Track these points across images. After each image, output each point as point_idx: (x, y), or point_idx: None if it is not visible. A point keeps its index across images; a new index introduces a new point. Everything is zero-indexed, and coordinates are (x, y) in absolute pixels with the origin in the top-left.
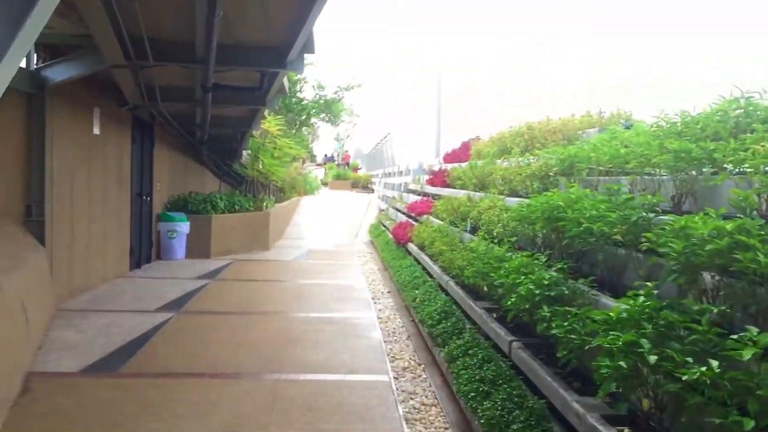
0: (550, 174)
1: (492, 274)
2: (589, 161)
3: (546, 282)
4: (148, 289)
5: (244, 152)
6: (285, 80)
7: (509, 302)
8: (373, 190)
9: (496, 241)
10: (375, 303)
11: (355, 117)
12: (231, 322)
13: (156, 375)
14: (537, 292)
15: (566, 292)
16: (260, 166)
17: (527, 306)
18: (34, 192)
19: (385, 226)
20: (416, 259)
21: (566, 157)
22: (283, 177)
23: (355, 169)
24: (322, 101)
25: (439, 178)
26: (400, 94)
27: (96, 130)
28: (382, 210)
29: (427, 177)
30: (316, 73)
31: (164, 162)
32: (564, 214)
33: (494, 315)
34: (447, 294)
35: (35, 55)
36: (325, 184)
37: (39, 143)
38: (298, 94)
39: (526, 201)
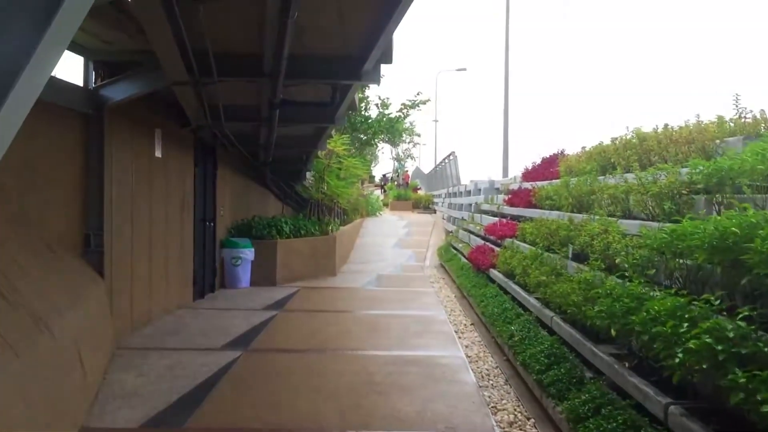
0: (683, 193)
1: (632, 317)
2: (754, 175)
3: (730, 334)
4: (212, 322)
5: (308, 174)
6: (354, 96)
7: (676, 360)
8: (434, 211)
9: (616, 273)
10: (459, 338)
11: (416, 136)
12: (304, 362)
13: (225, 431)
14: (719, 348)
15: (766, 349)
16: (326, 188)
17: (704, 366)
18: (93, 220)
19: (456, 249)
20: (502, 288)
21: (714, 171)
22: (349, 199)
23: (415, 189)
24: (385, 120)
25: (521, 198)
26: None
27: (158, 153)
28: (450, 232)
29: (504, 197)
30: (378, 90)
31: (227, 185)
32: (747, 244)
33: (626, 364)
34: (552, 333)
35: (93, 73)
36: (385, 204)
37: (97, 167)
38: (363, 112)
39: (668, 226)
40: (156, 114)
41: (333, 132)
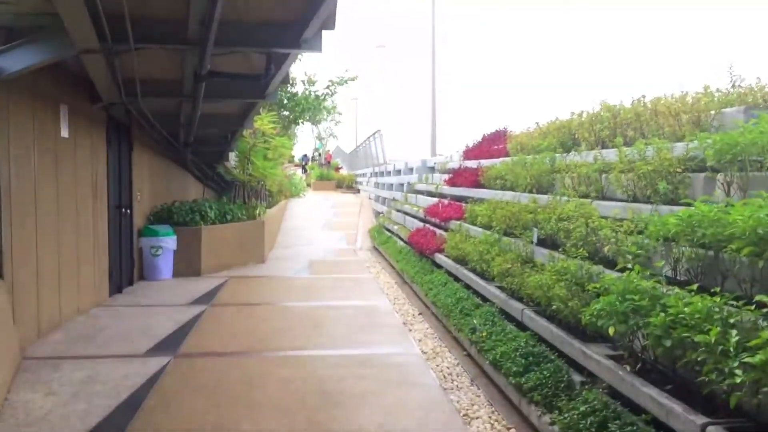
0: (678, 171)
1: (650, 319)
2: None
3: None
4: (132, 322)
5: (231, 154)
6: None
7: (736, 379)
8: (358, 191)
9: (600, 262)
10: (410, 330)
11: (337, 114)
12: (243, 368)
13: None
14: None
15: None
16: (251, 169)
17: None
18: None
19: (391, 232)
20: (452, 275)
21: (726, 146)
22: (278, 180)
23: (337, 168)
24: (312, 97)
25: (465, 178)
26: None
27: (64, 132)
28: (381, 213)
29: (443, 176)
30: (302, 66)
31: (145, 168)
32: None
33: (627, 368)
34: (523, 327)
35: None
36: (307, 185)
37: None
38: (288, 89)
39: (682, 210)
40: (62, 88)
41: (260, 109)
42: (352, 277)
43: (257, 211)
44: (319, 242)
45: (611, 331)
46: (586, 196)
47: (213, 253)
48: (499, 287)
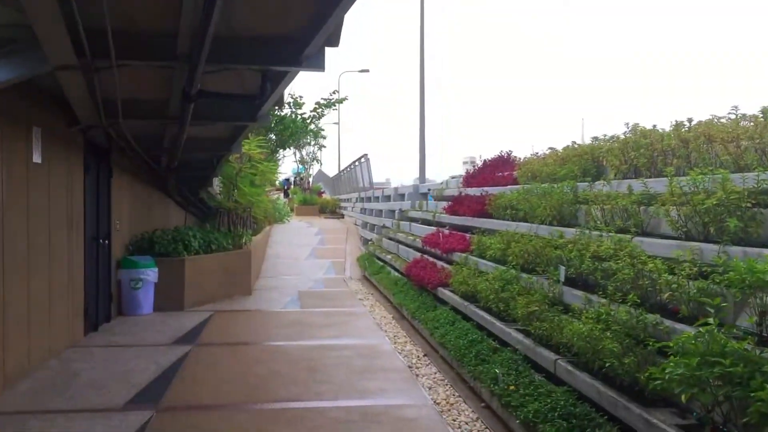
0: (748, 206)
1: (758, 394)
2: None
3: None
4: (110, 366)
5: (215, 180)
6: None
7: None
8: (342, 216)
9: (651, 309)
10: (417, 376)
11: (321, 138)
12: (235, 426)
13: None
14: None
15: None
16: (236, 195)
17: None
18: None
19: (383, 261)
20: (458, 312)
21: None
22: (266, 207)
23: (319, 193)
24: (299, 120)
25: (469, 206)
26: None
27: (36, 157)
28: (370, 240)
29: (442, 204)
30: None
31: (125, 195)
32: None
33: None
34: (555, 380)
35: None
36: (290, 209)
37: None
38: (276, 111)
39: None
40: (35, 109)
41: (249, 133)
42: (345, 311)
43: (243, 240)
44: (307, 271)
45: (685, 397)
46: (622, 231)
47: (197, 285)
48: (522, 331)
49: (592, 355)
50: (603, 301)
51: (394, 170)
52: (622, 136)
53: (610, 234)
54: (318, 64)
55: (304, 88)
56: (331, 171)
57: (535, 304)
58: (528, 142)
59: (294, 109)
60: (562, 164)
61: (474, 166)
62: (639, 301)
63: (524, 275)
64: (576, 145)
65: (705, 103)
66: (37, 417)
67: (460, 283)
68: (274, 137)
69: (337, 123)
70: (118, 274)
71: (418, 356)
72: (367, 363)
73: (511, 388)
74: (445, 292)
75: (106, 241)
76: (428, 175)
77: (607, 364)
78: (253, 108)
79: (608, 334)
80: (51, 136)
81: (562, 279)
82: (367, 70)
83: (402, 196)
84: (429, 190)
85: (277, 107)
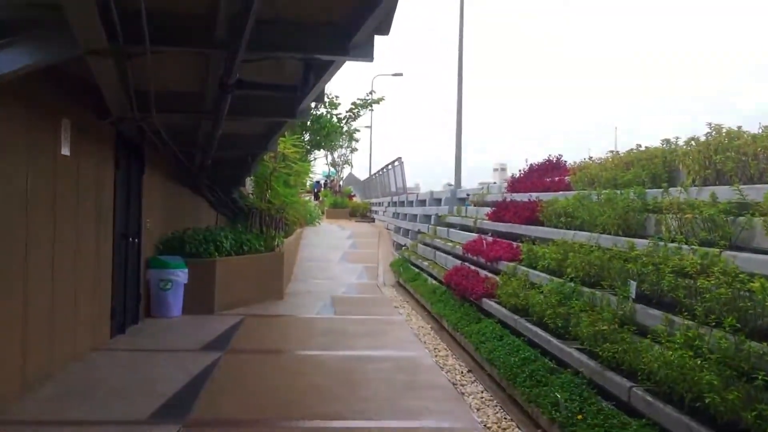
0: None
1: None
2: None
3: None
4: (135, 372)
5: (247, 179)
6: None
7: None
8: (373, 219)
9: (750, 335)
10: (463, 394)
11: (354, 141)
12: None
13: None
14: None
15: None
16: (270, 196)
17: None
18: None
19: (419, 267)
20: (506, 325)
21: None
22: (300, 209)
23: (350, 196)
24: (335, 120)
25: (516, 213)
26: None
27: (65, 150)
28: (404, 245)
29: (485, 210)
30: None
31: (156, 193)
32: None
33: None
34: (631, 410)
35: None
36: (321, 212)
37: None
38: (313, 110)
39: None
40: (64, 99)
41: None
42: (381, 319)
43: (276, 242)
44: (339, 276)
45: None
46: (706, 243)
47: (228, 288)
48: (585, 351)
49: (683, 386)
50: (689, 323)
51: (422, 174)
52: (702, 138)
53: (692, 247)
54: (366, 53)
55: (334, 89)
56: (361, 174)
57: (604, 323)
58: (536, 150)
59: (329, 109)
60: (626, 169)
61: (521, 170)
62: (738, 325)
63: (585, 289)
64: (646, 149)
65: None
66: (56, 427)
67: (509, 295)
68: (307, 137)
69: (369, 126)
70: (147, 274)
71: (462, 372)
72: (408, 378)
73: (579, 417)
74: (490, 304)
75: (136, 240)
76: (465, 180)
77: (706, 399)
78: (293, 102)
79: (700, 362)
80: (81, 129)
81: (633, 296)
82: (401, 74)
83: (438, 201)
84: (468, 195)
85: (315, 103)
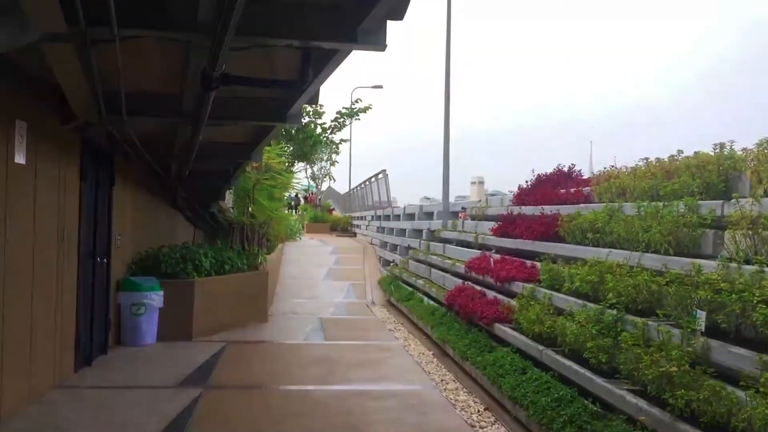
0: None
1: None
2: None
3: None
4: (100, 417)
5: (228, 192)
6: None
7: None
8: (355, 234)
9: None
10: None
11: (335, 154)
12: None
13: None
14: None
15: None
16: (253, 210)
17: None
18: None
19: (412, 286)
20: (527, 355)
21: None
22: (288, 224)
23: (330, 210)
24: (320, 130)
25: (530, 228)
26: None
27: (19, 158)
28: (392, 261)
29: (485, 224)
30: None
31: (127, 207)
32: None
33: None
34: None
35: None
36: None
37: None
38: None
39: None
40: (19, 99)
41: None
42: (376, 345)
43: (259, 260)
44: (325, 295)
45: None
46: None
47: (208, 311)
48: (643, 394)
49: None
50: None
51: (409, 187)
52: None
53: None
54: (378, 41)
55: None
56: (340, 188)
57: (672, 362)
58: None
59: (314, 118)
60: (667, 178)
61: (528, 182)
62: None
63: (635, 319)
64: (697, 154)
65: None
66: None
67: (532, 322)
68: (291, 148)
69: (348, 140)
70: (117, 297)
71: (479, 411)
72: (418, 420)
73: None
74: (505, 330)
75: (105, 259)
76: (429, 194)
77: None
78: (284, 104)
79: None
80: (40, 134)
81: (702, 328)
82: (381, 86)
83: (430, 215)
84: (463, 208)
85: (310, 106)
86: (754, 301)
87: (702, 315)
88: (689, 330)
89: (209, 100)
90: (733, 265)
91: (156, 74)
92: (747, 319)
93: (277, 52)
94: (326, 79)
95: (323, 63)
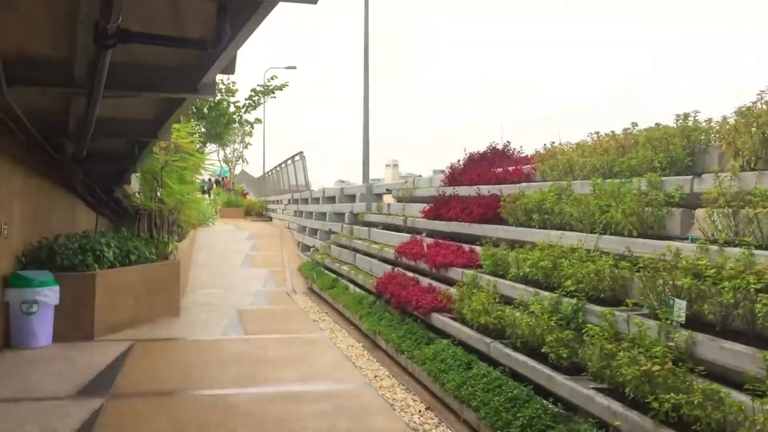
0: None
1: None
2: None
3: None
4: None
5: (133, 175)
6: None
7: None
8: (270, 218)
9: None
10: None
11: (248, 136)
12: None
13: None
14: None
15: None
16: (163, 194)
17: None
18: None
19: (336, 272)
20: (470, 348)
21: None
22: (201, 208)
23: (243, 194)
24: (234, 110)
25: (466, 210)
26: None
27: None
28: (312, 247)
29: (413, 207)
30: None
31: (15, 191)
32: None
33: None
34: None
35: None
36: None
37: None
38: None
39: None
40: None
41: (181, 115)
42: (301, 338)
43: (169, 248)
44: (243, 283)
45: None
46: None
47: (111, 307)
48: (615, 394)
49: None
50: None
51: (327, 169)
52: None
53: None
54: None
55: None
56: (254, 172)
57: (653, 360)
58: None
59: (226, 96)
60: (621, 153)
61: (459, 161)
62: None
63: (594, 308)
64: (658, 126)
65: None
66: None
67: (477, 312)
68: (203, 129)
69: (260, 121)
70: (5, 295)
71: (420, 411)
72: (356, 427)
73: None
74: (445, 321)
75: None
76: (342, 177)
77: None
78: (195, 72)
79: None
80: None
81: (682, 320)
82: (294, 67)
83: (351, 197)
84: (387, 190)
85: (232, 72)
86: (752, 290)
87: (682, 304)
88: (668, 322)
89: (105, 64)
90: (714, 247)
91: (41, 34)
92: (741, 310)
93: (188, 4)
94: (247, 38)
95: (245, 17)
